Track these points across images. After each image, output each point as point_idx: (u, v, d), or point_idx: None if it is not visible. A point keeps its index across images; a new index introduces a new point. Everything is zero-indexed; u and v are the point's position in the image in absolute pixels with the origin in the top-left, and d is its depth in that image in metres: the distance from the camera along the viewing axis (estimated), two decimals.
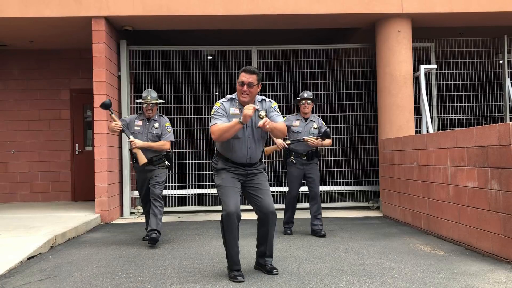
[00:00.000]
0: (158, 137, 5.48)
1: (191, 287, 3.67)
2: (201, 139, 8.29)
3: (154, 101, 5.50)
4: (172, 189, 8.17)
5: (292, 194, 5.93)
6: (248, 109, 3.62)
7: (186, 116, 8.21)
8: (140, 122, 5.55)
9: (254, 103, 3.89)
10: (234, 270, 3.84)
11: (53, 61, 9.51)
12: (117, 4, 7.20)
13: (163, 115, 5.65)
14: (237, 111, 3.86)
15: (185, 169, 8.24)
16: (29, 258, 4.69)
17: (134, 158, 5.49)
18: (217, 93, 8.59)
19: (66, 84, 9.53)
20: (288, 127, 5.53)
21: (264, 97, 4.05)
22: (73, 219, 6.65)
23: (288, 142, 5.74)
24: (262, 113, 3.72)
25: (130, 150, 5.51)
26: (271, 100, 4.06)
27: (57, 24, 7.55)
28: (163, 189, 5.57)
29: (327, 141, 5.91)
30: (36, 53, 9.43)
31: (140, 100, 5.60)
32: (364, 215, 7.41)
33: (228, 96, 4.00)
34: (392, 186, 6.95)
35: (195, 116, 8.27)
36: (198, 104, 8.27)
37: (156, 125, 5.51)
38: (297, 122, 5.84)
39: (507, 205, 4.17)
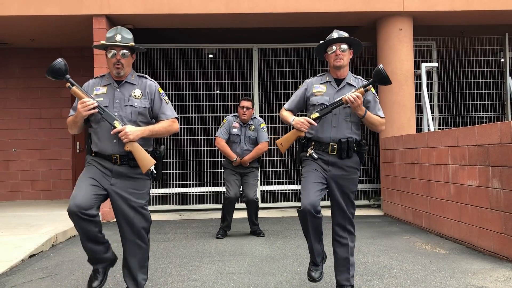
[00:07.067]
0: (144, 115, 3.14)
1: (192, 285, 3.67)
2: (202, 137, 8.29)
3: (126, 45, 3.08)
4: (173, 187, 8.18)
5: (305, 209, 3.11)
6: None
7: (187, 115, 8.21)
8: (103, 90, 3.13)
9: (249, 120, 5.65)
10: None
11: (54, 59, 9.44)
12: (118, 2, 7.19)
13: (146, 75, 3.28)
14: (237, 124, 5.63)
15: (186, 167, 8.24)
16: (31, 256, 4.69)
17: (91, 152, 3.14)
18: (218, 92, 8.58)
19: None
20: (308, 99, 3.36)
21: (255, 116, 5.84)
22: None
23: (315, 115, 3.21)
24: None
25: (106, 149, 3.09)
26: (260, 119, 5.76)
27: (58, 22, 7.55)
28: (150, 223, 3.23)
29: (374, 119, 3.27)
30: (37, 51, 9.42)
31: (102, 42, 3.11)
32: (365, 214, 7.41)
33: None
34: (393, 185, 6.95)
35: (196, 115, 8.27)
36: (199, 102, 8.27)
37: (137, 92, 3.13)
38: (322, 88, 3.32)
39: (508, 204, 4.16)
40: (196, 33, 8.73)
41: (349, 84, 3.30)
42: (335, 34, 3.30)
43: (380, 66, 3.20)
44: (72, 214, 2.93)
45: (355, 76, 3.38)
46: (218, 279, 3.82)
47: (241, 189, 5.71)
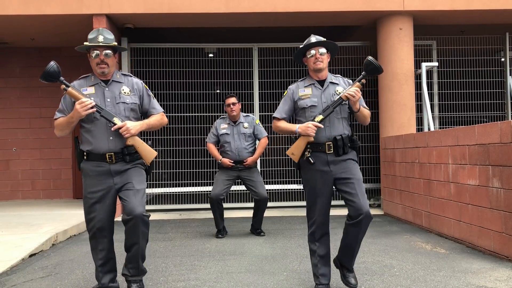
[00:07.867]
0: (135, 111, 3.25)
1: (192, 285, 3.67)
2: (202, 136, 8.28)
3: (109, 45, 3.18)
4: (173, 186, 8.17)
5: (318, 221, 3.38)
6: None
7: (188, 114, 8.21)
8: (91, 90, 3.19)
9: (239, 117, 5.62)
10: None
11: (54, 58, 9.45)
12: (118, 2, 7.19)
13: (130, 74, 3.45)
14: (225, 125, 5.62)
15: (186, 166, 8.24)
16: (31, 256, 4.70)
17: (83, 153, 3.16)
18: (218, 91, 8.59)
19: (67, 81, 9.49)
20: (295, 102, 3.41)
21: (248, 114, 5.79)
22: (74, 216, 6.65)
23: (319, 117, 3.26)
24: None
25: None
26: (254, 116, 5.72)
27: (58, 21, 7.55)
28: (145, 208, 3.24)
29: (365, 112, 3.44)
30: (37, 51, 9.43)
31: (86, 44, 3.18)
32: None
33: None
34: (393, 184, 6.95)
35: (196, 114, 8.27)
36: (199, 101, 8.27)
37: (125, 89, 3.23)
38: (307, 91, 3.38)
39: (508, 203, 4.16)
40: (196, 33, 8.73)
41: (331, 83, 3.40)
42: (313, 39, 3.39)
43: (369, 57, 3.32)
44: (94, 236, 3.30)
45: (335, 75, 3.49)
46: (218, 279, 3.82)
47: (243, 189, 5.74)
